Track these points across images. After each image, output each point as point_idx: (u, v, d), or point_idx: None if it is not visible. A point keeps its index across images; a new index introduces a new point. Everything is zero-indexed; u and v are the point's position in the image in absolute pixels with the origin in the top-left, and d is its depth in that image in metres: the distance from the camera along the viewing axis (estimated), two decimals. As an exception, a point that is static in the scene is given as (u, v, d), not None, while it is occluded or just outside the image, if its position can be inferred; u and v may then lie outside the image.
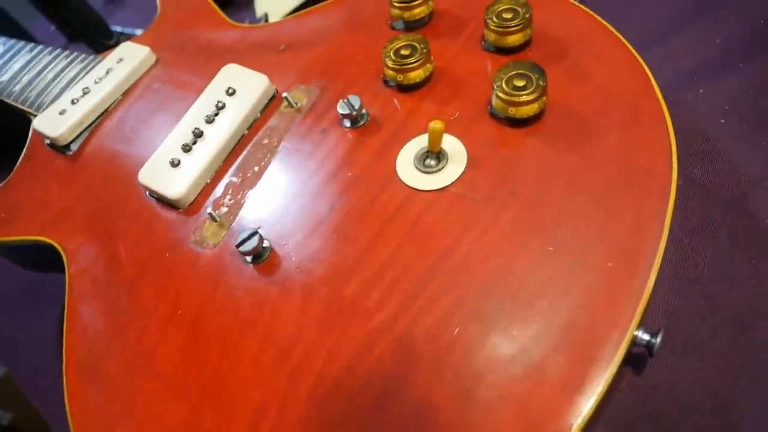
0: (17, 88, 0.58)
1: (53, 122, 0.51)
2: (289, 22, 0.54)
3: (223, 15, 0.58)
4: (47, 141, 0.53)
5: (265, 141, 0.44)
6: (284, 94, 0.45)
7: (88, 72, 0.55)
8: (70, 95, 0.53)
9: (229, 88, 0.46)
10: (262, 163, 0.42)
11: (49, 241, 0.47)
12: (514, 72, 0.38)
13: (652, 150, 0.35)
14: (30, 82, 0.58)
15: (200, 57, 0.53)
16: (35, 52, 0.61)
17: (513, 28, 0.41)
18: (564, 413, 0.28)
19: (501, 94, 0.37)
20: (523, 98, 0.37)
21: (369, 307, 0.34)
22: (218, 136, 0.44)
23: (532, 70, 0.38)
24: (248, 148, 0.44)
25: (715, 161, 0.42)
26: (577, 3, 0.44)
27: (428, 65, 0.42)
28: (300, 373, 0.33)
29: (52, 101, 0.54)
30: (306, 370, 0.33)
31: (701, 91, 0.45)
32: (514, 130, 0.38)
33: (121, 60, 0.54)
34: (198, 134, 0.44)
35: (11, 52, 0.62)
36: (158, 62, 0.55)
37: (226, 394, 0.34)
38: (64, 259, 0.45)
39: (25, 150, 0.54)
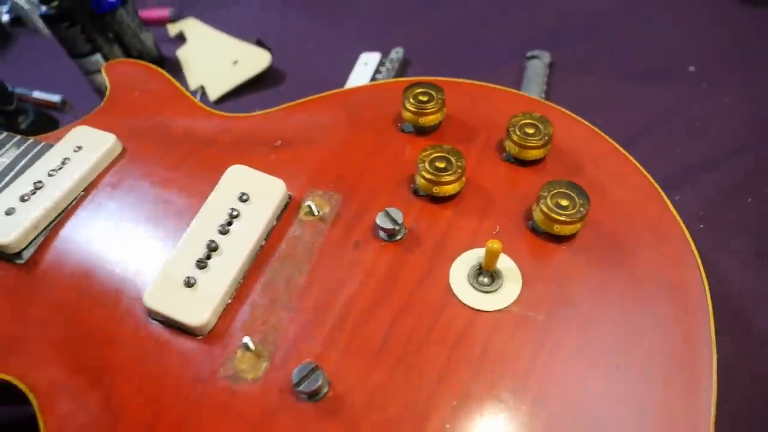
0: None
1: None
2: (277, 115, 0.51)
3: (194, 99, 0.53)
4: (-18, 246, 0.43)
5: (292, 253, 0.40)
6: (308, 202, 0.42)
7: (33, 160, 0.47)
8: (16, 190, 0.44)
9: (243, 194, 0.41)
10: (294, 280, 0.39)
11: (3, 377, 0.38)
12: (558, 190, 0.39)
13: (682, 266, 0.39)
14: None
15: (178, 150, 0.48)
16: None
17: (534, 144, 0.43)
18: None
19: (546, 211, 0.39)
20: (563, 218, 0.38)
21: (461, 447, 0.32)
22: (238, 249, 0.39)
23: (571, 189, 0.40)
24: (273, 261, 0.40)
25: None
26: (578, 118, 0.47)
27: (463, 179, 0.42)
28: None
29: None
30: None
31: (677, 198, 0.51)
32: (556, 245, 0.40)
33: (79, 148, 0.47)
34: (213, 248, 0.39)
35: None
36: (125, 153, 0.48)
37: None
38: (33, 401, 0.37)
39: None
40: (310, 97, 0.52)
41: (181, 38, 0.85)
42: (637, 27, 0.69)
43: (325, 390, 0.34)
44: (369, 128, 0.48)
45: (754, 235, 0.50)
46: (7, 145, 0.49)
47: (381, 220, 0.39)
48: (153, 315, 0.38)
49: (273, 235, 0.41)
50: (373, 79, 0.68)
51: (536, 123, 0.44)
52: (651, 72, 0.61)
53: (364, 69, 0.70)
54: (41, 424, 0.36)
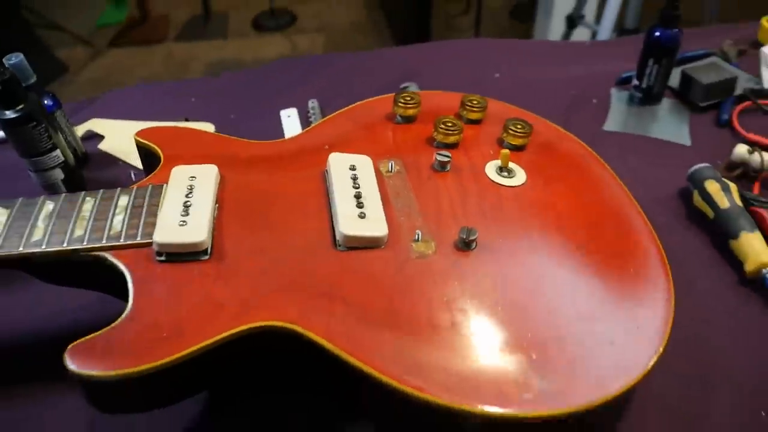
0: (68, 234, 0.53)
1: (184, 232, 0.52)
2: (309, 133, 0.70)
3: (234, 137, 0.68)
4: (161, 257, 0.52)
5: (398, 193, 0.61)
6: (390, 162, 0.63)
7: (156, 196, 0.57)
8: (173, 212, 0.54)
9: (351, 165, 0.61)
10: (412, 205, 0.60)
11: (263, 323, 0.49)
12: (514, 121, 0.70)
13: (586, 149, 0.73)
14: (71, 226, 0.54)
15: (262, 165, 0.64)
16: (49, 202, 0.56)
17: (479, 108, 0.73)
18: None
19: (513, 132, 0.69)
20: (523, 134, 0.69)
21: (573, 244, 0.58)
22: (373, 193, 0.59)
23: (519, 120, 0.71)
24: (391, 200, 0.60)
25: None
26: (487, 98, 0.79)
27: (462, 132, 0.69)
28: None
29: (138, 225, 0.54)
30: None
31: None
32: (521, 152, 0.70)
33: (193, 177, 0.59)
34: (359, 196, 0.58)
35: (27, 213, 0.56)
36: (224, 178, 0.62)
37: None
38: (296, 329, 0.49)
39: (131, 280, 0.51)
40: (324, 119, 0.73)
41: (92, 137, 0.92)
42: (454, 62, 1.07)
43: (475, 241, 0.57)
44: (377, 124, 0.72)
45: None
46: (117, 194, 0.57)
47: (439, 157, 0.64)
48: (345, 243, 0.55)
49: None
50: (308, 124, 0.90)
51: (478, 99, 0.74)
52: (475, 82, 0.99)
53: (290, 120, 0.91)
54: (313, 336, 0.48)
